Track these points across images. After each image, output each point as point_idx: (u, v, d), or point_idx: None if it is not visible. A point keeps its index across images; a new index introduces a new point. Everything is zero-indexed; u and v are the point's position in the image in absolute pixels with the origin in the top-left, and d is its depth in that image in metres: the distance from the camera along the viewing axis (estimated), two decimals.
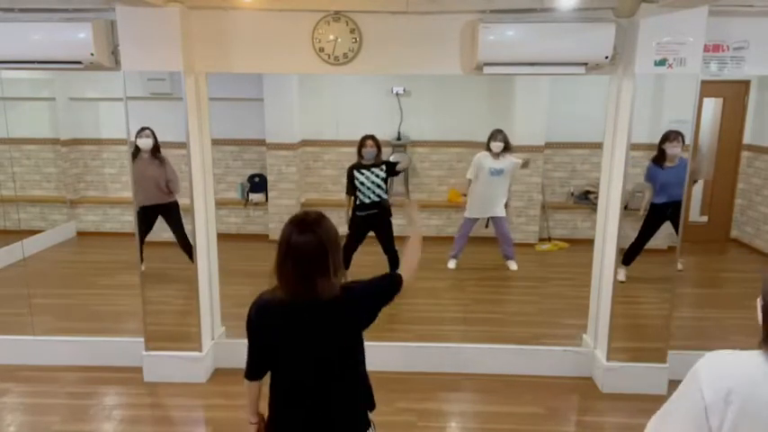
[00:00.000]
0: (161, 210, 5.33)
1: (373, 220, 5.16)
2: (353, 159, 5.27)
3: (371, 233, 5.24)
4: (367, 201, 5.11)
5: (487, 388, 2.82)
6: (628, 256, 4.81)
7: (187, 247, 4.61)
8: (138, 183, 5.02)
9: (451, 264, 6.06)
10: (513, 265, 5.98)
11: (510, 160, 5.75)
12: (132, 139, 3.84)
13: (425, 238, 7.67)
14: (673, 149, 4.29)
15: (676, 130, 4.09)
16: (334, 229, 1.91)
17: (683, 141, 3.98)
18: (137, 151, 5.03)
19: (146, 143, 5.01)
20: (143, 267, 5.23)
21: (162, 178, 5.20)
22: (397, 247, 5.12)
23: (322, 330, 1.89)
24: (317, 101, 7.06)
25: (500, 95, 6.86)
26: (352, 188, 5.15)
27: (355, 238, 5.18)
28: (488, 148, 5.71)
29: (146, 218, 5.15)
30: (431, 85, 6.93)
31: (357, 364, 2.00)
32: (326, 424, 1.94)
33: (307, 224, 1.84)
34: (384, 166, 5.13)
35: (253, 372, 2.01)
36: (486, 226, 6.16)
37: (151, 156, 5.10)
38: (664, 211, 4.69)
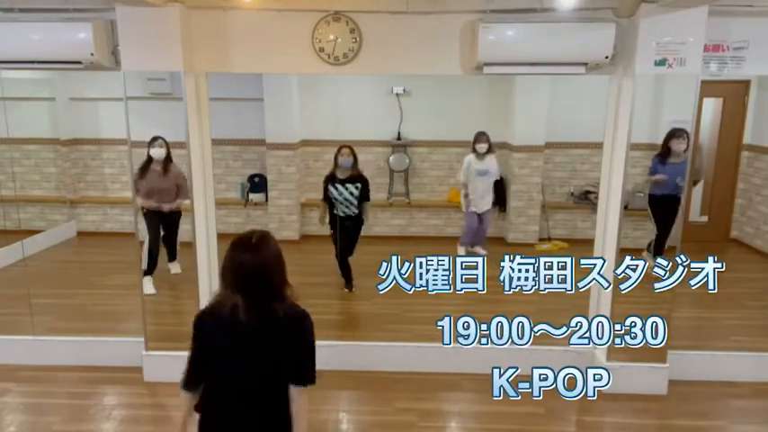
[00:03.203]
0: (168, 216, 5.26)
1: (345, 230, 5.30)
2: None
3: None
4: (341, 215, 5.25)
5: (487, 388, 2.82)
6: (657, 247, 5.03)
7: (174, 248, 5.26)
8: (151, 191, 5.02)
9: (461, 250, 6.20)
10: (481, 251, 6.10)
11: (494, 161, 6.06)
12: (132, 138, 3.81)
13: (424, 239, 7.63)
14: (678, 145, 4.47)
15: (681, 128, 4.23)
16: (277, 248, 2.00)
17: (689, 139, 4.08)
18: (149, 161, 4.99)
19: (159, 153, 4.98)
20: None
21: (173, 187, 5.09)
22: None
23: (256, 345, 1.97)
24: (317, 101, 7.05)
25: (500, 95, 6.87)
26: (327, 197, 5.29)
27: (338, 238, 5.33)
28: (474, 150, 5.97)
29: (153, 222, 5.16)
30: (431, 85, 6.93)
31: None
32: None
33: (250, 245, 1.95)
34: (359, 185, 5.21)
35: (192, 381, 2.08)
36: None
37: (163, 165, 5.05)
38: (663, 202, 4.94)
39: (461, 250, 6.22)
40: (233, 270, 1.97)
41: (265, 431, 2.02)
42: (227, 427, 2.03)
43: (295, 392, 1.98)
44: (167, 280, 5.29)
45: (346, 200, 5.18)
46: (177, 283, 5.24)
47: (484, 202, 6.11)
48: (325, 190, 5.27)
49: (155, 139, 4.94)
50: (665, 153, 4.68)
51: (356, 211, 5.25)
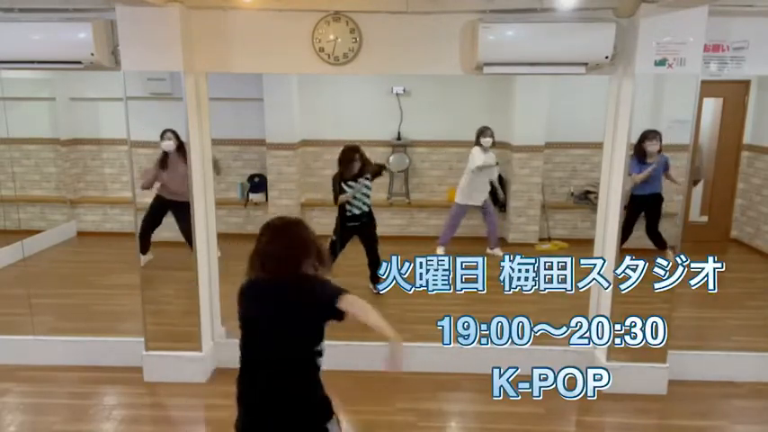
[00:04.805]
0: (178, 206, 5.31)
1: (358, 229, 5.26)
2: None
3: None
4: (356, 212, 5.18)
5: (487, 388, 2.83)
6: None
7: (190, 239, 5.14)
8: (169, 178, 5.07)
9: (440, 250, 6.23)
10: (498, 252, 6.10)
11: (492, 156, 6.16)
12: (132, 138, 3.81)
13: (424, 239, 7.59)
14: (652, 147, 4.47)
15: (654, 130, 4.26)
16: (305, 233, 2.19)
17: (660, 140, 4.24)
18: (165, 155, 5.07)
19: (168, 146, 5.04)
20: (151, 256, 5.33)
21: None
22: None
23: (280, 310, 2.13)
24: (317, 101, 7.05)
25: (500, 95, 6.87)
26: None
27: (341, 242, 5.27)
28: (478, 143, 6.04)
29: (158, 210, 5.22)
30: (431, 85, 6.93)
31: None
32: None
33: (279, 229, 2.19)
34: (369, 176, 5.16)
35: None
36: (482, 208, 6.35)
37: (179, 154, 5.09)
38: (642, 202, 5.03)
39: (441, 250, 6.23)
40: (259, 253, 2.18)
41: (292, 399, 2.13)
42: (259, 396, 2.15)
43: (345, 306, 2.15)
44: (169, 279, 5.29)
45: (363, 194, 5.14)
46: (178, 283, 5.24)
47: (482, 195, 6.21)
48: (340, 189, 5.14)
49: (164, 132, 5.01)
50: (641, 154, 4.58)
51: (368, 209, 5.22)
